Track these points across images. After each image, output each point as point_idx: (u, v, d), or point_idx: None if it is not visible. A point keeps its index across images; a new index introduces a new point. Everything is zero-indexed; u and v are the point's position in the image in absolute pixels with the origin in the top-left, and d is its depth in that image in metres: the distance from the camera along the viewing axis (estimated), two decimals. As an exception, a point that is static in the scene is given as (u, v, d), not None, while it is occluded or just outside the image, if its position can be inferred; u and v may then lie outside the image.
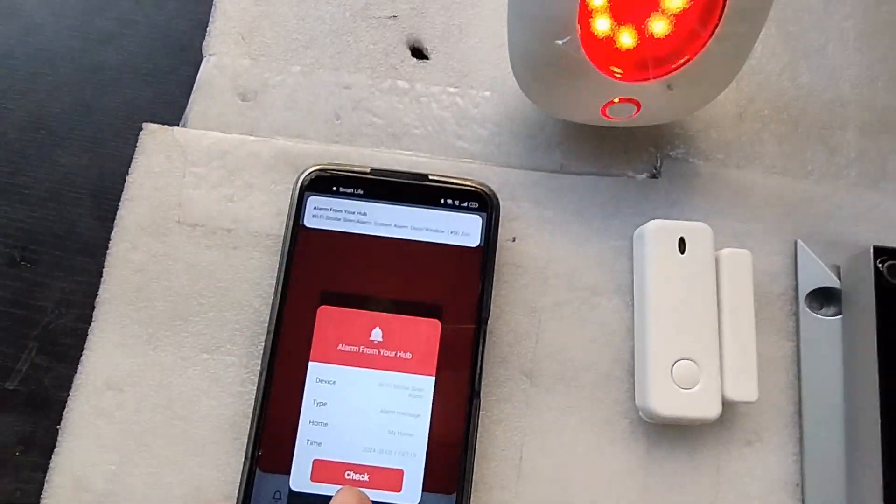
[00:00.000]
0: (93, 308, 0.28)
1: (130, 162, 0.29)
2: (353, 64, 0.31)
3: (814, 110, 0.31)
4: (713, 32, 0.24)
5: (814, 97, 0.31)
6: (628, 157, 0.30)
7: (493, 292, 0.28)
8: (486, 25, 0.32)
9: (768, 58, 0.32)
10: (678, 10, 0.24)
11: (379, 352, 0.26)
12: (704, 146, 0.31)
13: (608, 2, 0.24)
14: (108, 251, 0.28)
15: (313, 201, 0.27)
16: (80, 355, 0.27)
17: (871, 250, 0.26)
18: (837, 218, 0.30)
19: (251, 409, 0.26)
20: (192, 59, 0.31)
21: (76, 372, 0.27)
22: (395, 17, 0.31)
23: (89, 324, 0.28)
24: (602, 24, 0.25)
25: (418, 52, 0.31)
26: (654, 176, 0.30)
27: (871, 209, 0.30)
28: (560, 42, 0.24)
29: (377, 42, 0.31)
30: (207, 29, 0.31)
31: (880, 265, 0.26)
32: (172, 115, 0.30)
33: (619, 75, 0.25)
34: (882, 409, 0.24)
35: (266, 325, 0.26)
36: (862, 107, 0.31)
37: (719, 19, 0.24)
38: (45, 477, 0.26)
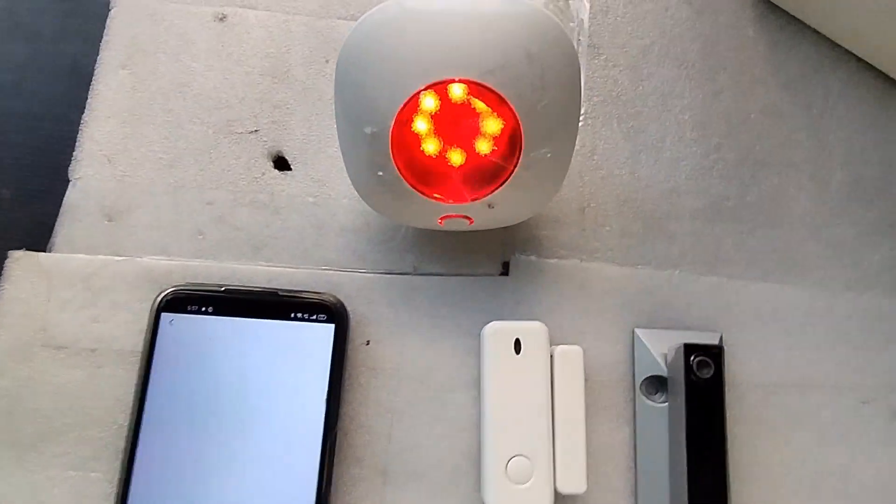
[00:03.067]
0: (-34, 430, 0.29)
1: None
2: (216, 180, 0.33)
3: (652, 201, 0.33)
4: (517, 162, 0.26)
5: (652, 188, 0.34)
6: (478, 256, 0.32)
7: (348, 394, 0.29)
8: (344, 134, 0.33)
9: (610, 153, 0.34)
10: (497, 135, 0.26)
11: (238, 467, 0.28)
12: (549, 243, 0.33)
13: (433, 128, 0.26)
14: (-25, 378, 0.29)
15: (170, 320, 0.29)
16: (-46, 477, 0.29)
17: (682, 347, 0.28)
18: (672, 305, 0.32)
19: (116, 524, 0.27)
20: (63, 181, 0.33)
21: (-54, 497, 0.28)
22: (256, 131, 0.33)
23: (-37, 445, 0.29)
24: (430, 147, 0.27)
25: (281, 163, 0.33)
26: (502, 274, 0.32)
27: (707, 292, 0.32)
28: (381, 173, 0.26)
29: (239, 156, 0.33)
30: (73, 154, 0.32)
31: (691, 361, 0.28)
32: (38, 238, 0.32)
33: (438, 198, 0.27)
34: (690, 492, 0.26)
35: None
36: (697, 195, 0.34)
37: (520, 150, 0.26)
38: None
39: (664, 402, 0.30)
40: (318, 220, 0.32)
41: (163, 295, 0.29)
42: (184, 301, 0.29)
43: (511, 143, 0.26)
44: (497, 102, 0.25)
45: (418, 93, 0.25)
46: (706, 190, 0.34)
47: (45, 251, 0.31)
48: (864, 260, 0.33)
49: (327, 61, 0.34)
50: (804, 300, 0.32)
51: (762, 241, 0.33)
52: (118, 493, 0.27)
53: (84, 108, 0.34)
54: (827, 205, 0.34)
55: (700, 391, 0.27)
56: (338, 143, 0.33)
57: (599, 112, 0.34)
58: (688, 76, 0.35)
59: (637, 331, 0.31)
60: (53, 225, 0.32)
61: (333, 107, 0.34)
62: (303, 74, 0.34)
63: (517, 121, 0.25)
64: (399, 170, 0.26)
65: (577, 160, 0.33)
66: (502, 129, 0.26)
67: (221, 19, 0.35)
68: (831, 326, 0.32)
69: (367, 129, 0.26)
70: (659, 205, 0.33)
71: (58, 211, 0.32)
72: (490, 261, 0.32)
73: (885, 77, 0.36)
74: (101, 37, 0.34)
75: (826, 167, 0.34)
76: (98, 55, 0.34)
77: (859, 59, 0.36)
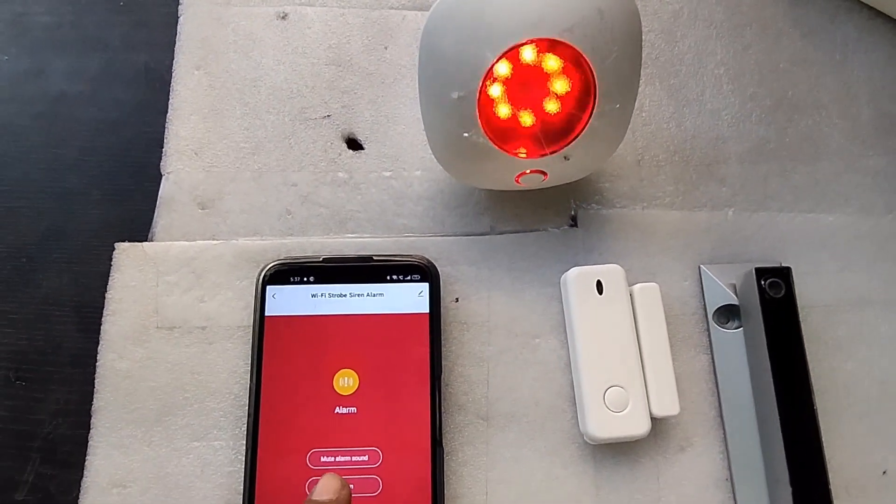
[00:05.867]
0: (88, 415, 0.31)
1: (107, 277, 0.33)
2: (297, 163, 0.35)
3: (700, 149, 0.36)
4: (591, 114, 0.28)
5: (699, 138, 0.36)
6: (548, 212, 0.35)
7: (444, 349, 0.31)
8: (409, 113, 0.36)
9: (656, 110, 0.37)
10: (563, 94, 0.29)
11: (353, 420, 0.30)
12: (611, 194, 0.35)
13: (505, 92, 0.29)
14: (97, 363, 0.31)
15: (275, 292, 0.31)
16: (82, 460, 0.30)
17: (754, 271, 0.30)
18: (731, 241, 0.34)
19: (242, 487, 0.29)
20: (151, 176, 0.35)
21: (80, 476, 0.30)
22: (328, 116, 0.36)
23: (86, 430, 0.31)
24: (503, 111, 0.29)
25: (354, 144, 0.36)
26: (572, 226, 0.34)
27: (760, 227, 0.35)
28: (466, 134, 0.29)
29: (315, 140, 0.35)
30: (163, 150, 0.35)
31: (763, 283, 0.30)
32: (139, 228, 0.34)
33: (522, 154, 0.29)
34: (779, 404, 0.29)
35: (246, 408, 0.30)
36: (740, 141, 0.36)
37: (594, 103, 0.28)
38: (62, 576, 0.29)
39: (737, 328, 0.32)
40: (396, 192, 0.35)
41: (266, 269, 0.31)
42: (286, 273, 0.31)
43: (585, 96, 0.28)
44: (574, 58, 0.27)
45: (502, 55, 0.27)
46: (747, 135, 0.36)
47: (145, 242, 0.33)
48: (898, 186, 0.36)
49: (385, 48, 0.37)
50: (849, 226, 0.35)
51: (804, 177, 0.36)
52: (247, 459, 0.29)
53: (159, 110, 0.36)
54: (858, 138, 0.37)
55: (775, 309, 0.30)
56: (404, 122, 0.36)
57: (643, 75, 0.37)
58: (718, 34, 0.38)
59: (702, 267, 0.34)
60: (146, 218, 0.34)
61: (397, 88, 0.36)
62: (365, 61, 0.37)
63: (592, 74, 0.27)
64: (484, 129, 0.28)
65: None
66: (576, 84, 0.28)
67: (283, 17, 0.37)
68: (877, 247, 0.35)
69: (454, 94, 0.28)
70: (707, 152, 0.36)
71: (147, 205, 0.34)
72: (559, 215, 0.35)
73: (894, 22, 0.39)
74: (170, 43, 0.37)
75: (853, 105, 0.37)
76: (173, 59, 0.36)
77: (870, 8, 0.39)
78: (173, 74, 0.36)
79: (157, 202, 0.34)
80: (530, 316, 0.33)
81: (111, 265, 0.32)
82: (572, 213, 0.35)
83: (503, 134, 0.29)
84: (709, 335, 0.33)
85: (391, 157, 0.35)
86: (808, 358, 0.31)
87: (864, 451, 0.32)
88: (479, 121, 0.28)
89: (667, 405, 0.30)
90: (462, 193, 0.35)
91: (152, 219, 0.33)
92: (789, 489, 0.28)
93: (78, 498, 0.30)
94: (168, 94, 0.36)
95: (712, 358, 0.32)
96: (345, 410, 0.30)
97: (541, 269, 0.33)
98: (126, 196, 0.35)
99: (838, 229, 0.35)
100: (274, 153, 0.35)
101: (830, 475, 0.29)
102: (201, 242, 0.33)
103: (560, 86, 0.28)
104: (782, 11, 0.39)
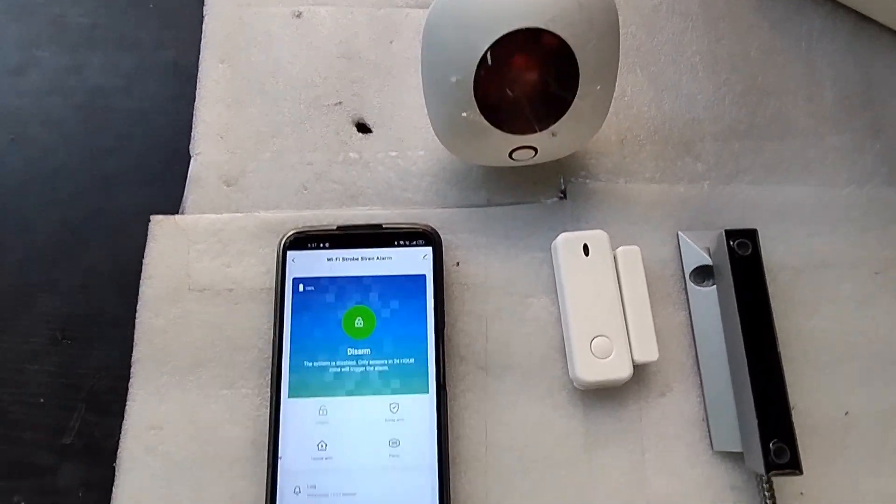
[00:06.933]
0: (127, 370, 0.34)
1: (142, 249, 0.36)
2: (312, 144, 0.38)
3: (678, 130, 0.40)
4: (575, 95, 0.32)
5: (676, 120, 0.40)
6: (539, 186, 0.38)
7: (447, 307, 0.35)
8: (413, 100, 0.40)
9: (638, 94, 0.40)
10: (549, 78, 0.32)
11: (365, 368, 0.33)
12: (597, 169, 0.39)
13: (497, 75, 0.32)
14: (135, 321, 0.35)
15: (294, 256, 0.35)
16: (123, 408, 0.34)
17: (724, 233, 0.34)
18: (706, 210, 0.38)
19: (267, 429, 0.32)
20: (181, 160, 0.38)
21: (122, 420, 0.33)
22: (340, 103, 0.39)
23: (126, 382, 0.34)
24: (496, 92, 0.33)
25: (363, 128, 0.39)
26: (561, 198, 0.38)
27: (733, 198, 0.38)
28: (464, 115, 0.32)
29: (328, 125, 0.39)
30: (191, 134, 0.38)
31: (732, 243, 0.33)
32: (170, 206, 0.37)
33: (513, 131, 0.33)
34: (747, 352, 0.32)
35: (270, 360, 0.33)
36: (714, 122, 0.40)
37: (577, 85, 0.32)
38: (105, 511, 0.32)
39: (711, 285, 0.36)
40: (401, 170, 0.38)
41: (286, 236, 0.35)
42: (304, 240, 0.35)
43: (569, 79, 0.32)
44: (558, 45, 0.31)
45: (494, 43, 0.31)
46: (721, 116, 0.40)
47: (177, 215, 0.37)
48: (858, 160, 0.39)
49: (391, 42, 0.41)
50: (814, 196, 0.38)
51: (773, 154, 0.39)
52: (272, 404, 0.32)
53: (187, 100, 0.40)
54: (822, 119, 0.40)
55: (743, 266, 0.33)
56: (408, 108, 0.40)
57: (624, 63, 0.41)
58: (693, 27, 0.42)
59: (680, 233, 0.37)
60: (177, 197, 0.37)
61: (401, 78, 0.40)
62: (372, 55, 0.40)
63: (575, 59, 0.31)
64: (480, 110, 0.32)
65: (613, 103, 0.39)
66: (561, 69, 0.32)
67: (298, 16, 0.41)
68: (840, 215, 0.38)
69: (453, 78, 0.32)
70: (684, 132, 0.40)
71: (177, 185, 0.38)
72: (550, 188, 0.38)
73: (855, 13, 0.43)
74: (196, 41, 0.41)
75: (818, 89, 0.41)
76: (199, 55, 0.40)
77: (833, 1, 0.43)
78: (199, 68, 0.40)
79: (187, 180, 0.37)
80: (524, 278, 0.36)
81: (147, 236, 0.36)
82: (562, 186, 0.38)
83: (497, 113, 0.33)
84: (686, 294, 0.36)
85: (397, 139, 0.39)
86: (777, 315, 0.34)
87: (828, 397, 0.35)
88: (475, 102, 0.32)
89: (647, 352, 0.33)
90: (461, 170, 0.38)
91: (182, 196, 0.37)
92: (757, 430, 0.31)
93: (119, 441, 0.33)
94: (195, 86, 0.40)
95: (689, 313, 0.36)
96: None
97: (533, 236, 0.37)
98: (158, 177, 0.38)
99: (804, 199, 0.38)
100: (291, 136, 0.39)
101: (797, 418, 0.32)
102: (227, 215, 0.37)
103: (547, 70, 0.32)
104: (752, 5, 0.43)
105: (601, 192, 0.38)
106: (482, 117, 0.32)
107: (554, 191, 0.38)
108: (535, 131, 0.33)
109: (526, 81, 0.32)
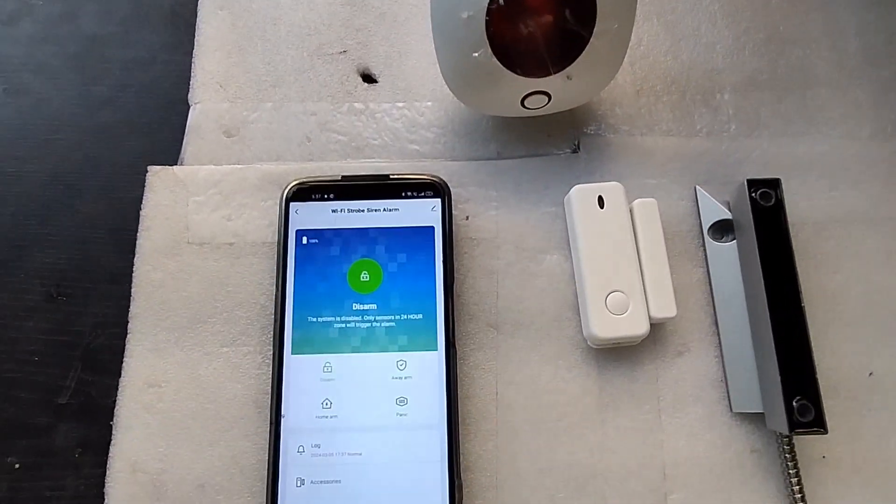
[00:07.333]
0: (124, 327, 0.33)
1: (139, 202, 0.35)
2: (316, 94, 0.37)
3: (696, 80, 0.38)
4: (591, 33, 0.30)
5: (694, 70, 0.38)
6: (552, 138, 0.37)
7: (456, 262, 0.34)
8: (421, 48, 0.38)
9: (654, 43, 0.39)
10: (566, 14, 0.31)
11: (371, 324, 0.32)
12: (612, 121, 0.37)
13: (511, 11, 0.31)
14: (133, 274, 0.33)
15: (297, 208, 0.33)
16: (119, 367, 0.32)
17: (745, 183, 0.32)
18: (725, 164, 0.36)
19: (269, 387, 0.31)
20: (179, 110, 0.37)
21: (120, 378, 0.32)
22: (344, 52, 0.38)
23: (123, 340, 0.33)
24: (509, 29, 0.31)
25: (368, 78, 0.38)
26: (574, 151, 0.36)
27: (750, 153, 0.37)
28: (476, 54, 0.31)
29: (332, 74, 0.37)
30: (190, 83, 0.37)
31: (754, 194, 0.32)
32: (168, 158, 0.36)
33: (527, 74, 0.31)
34: (770, 307, 0.31)
35: (272, 316, 0.32)
36: (734, 72, 0.38)
37: (594, 22, 0.30)
38: (102, 471, 0.31)
39: (731, 240, 0.34)
40: (409, 121, 0.37)
41: (289, 187, 0.33)
42: (308, 191, 0.33)
43: (587, 15, 0.30)
44: (574, -22, 0.29)
45: (508, -25, 0.29)
46: (741, 67, 0.38)
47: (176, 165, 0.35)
48: (881, 112, 0.38)
49: (397, -11, 0.39)
50: (837, 149, 0.37)
51: (794, 105, 0.38)
52: (274, 360, 0.31)
53: (185, 50, 0.38)
54: (845, 69, 0.38)
55: (766, 217, 0.32)
56: (415, 57, 0.38)
57: (641, 11, 0.39)
58: (712, -26, 0.40)
59: (698, 187, 0.36)
60: (175, 148, 0.36)
61: (408, 26, 0.38)
62: (377, 1, 0.39)
63: (592, -7, 0.30)
64: (492, 49, 0.31)
65: (628, 52, 0.38)
66: (578, 4, 0.30)
67: (300, -39, 0.39)
68: (863, 168, 0.36)
69: (464, 14, 0.30)
70: (702, 83, 0.38)
71: (175, 136, 0.36)
72: (563, 141, 0.37)
73: (882, -38, 0.41)
74: (194, -13, 0.39)
75: (841, 39, 0.39)
76: (197, 1, 0.38)
77: (859, -51, 0.41)
78: (198, 15, 0.38)
79: (186, 130, 0.36)
80: (536, 232, 0.35)
81: (144, 187, 0.35)
82: (575, 139, 0.37)
83: (509, 53, 0.31)
84: (704, 250, 0.35)
85: (404, 89, 0.37)
86: (799, 271, 0.33)
87: (851, 356, 0.34)
88: (486, 39, 0.30)
89: (664, 307, 0.32)
90: (471, 121, 0.37)
91: (181, 146, 0.36)
92: (780, 388, 0.30)
93: (116, 400, 0.32)
94: (193, 34, 0.38)
95: (707, 270, 0.34)
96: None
97: (546, 189, 0.35)
98: (156, 128, 0.37)
99: (826, 152, 0.37)
100: (294, 85, 0.37)
101: (820, 377, 0.31)
102: (227, 167, 0.35)
103: (562, 3, 0.30)
104: (774, -47, 0.41)
105: (616, 144, 0.37)
106: (494, 58, 0.31)
107: (567, 143, 0.37)
108: (550, 73, 0.31)
109: (541, 15, 0.30)
